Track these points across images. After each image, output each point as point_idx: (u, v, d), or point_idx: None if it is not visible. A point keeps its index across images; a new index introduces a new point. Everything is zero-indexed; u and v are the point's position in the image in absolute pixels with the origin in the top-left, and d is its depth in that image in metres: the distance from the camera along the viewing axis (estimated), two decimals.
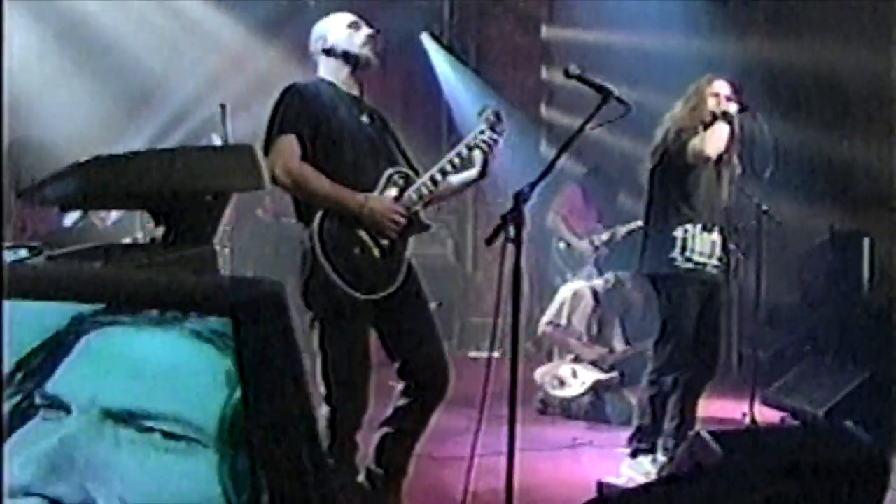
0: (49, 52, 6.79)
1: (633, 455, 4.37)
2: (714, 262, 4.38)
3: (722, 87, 4.39)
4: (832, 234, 7.20)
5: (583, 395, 5.67)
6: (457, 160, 3.53)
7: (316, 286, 3.38)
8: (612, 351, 5.89)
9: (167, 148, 2.28)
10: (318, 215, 3.37)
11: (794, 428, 4.44)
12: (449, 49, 8.97)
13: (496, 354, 8.07)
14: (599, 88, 3.12)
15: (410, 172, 3.56)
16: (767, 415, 5.54)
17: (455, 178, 3.63)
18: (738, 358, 7.48)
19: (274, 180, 3.33)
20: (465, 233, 9.31)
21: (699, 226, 4.32)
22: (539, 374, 5.87)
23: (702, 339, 4.41)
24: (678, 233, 4.31)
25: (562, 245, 7.13)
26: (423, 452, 4.74)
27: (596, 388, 5.67)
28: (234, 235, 7.25)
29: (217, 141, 3.81)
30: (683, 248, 4.30)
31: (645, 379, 4.45)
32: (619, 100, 3.11)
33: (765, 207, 5.32)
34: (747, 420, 5.30)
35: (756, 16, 7.95)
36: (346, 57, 3.53)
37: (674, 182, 4.37)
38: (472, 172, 3.62)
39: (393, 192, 3.47)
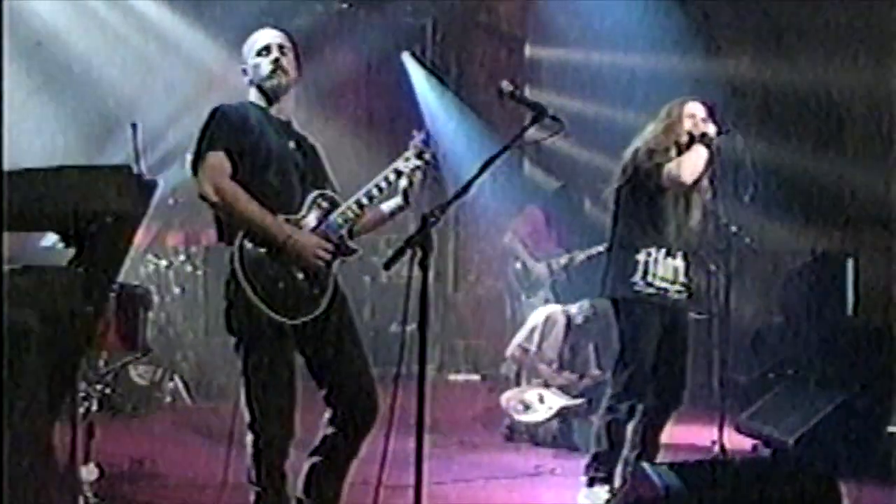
0: (15, 73, 6.71)
1: (590, 484, 4.24)
2: (677, 287, 4.27)
3: (697, 108, 4.29)
4: (814, 255, 7.08)
5: (549, 420, 5.53)
6: (383, 185, 3.46)
7: (239, 309, 3.31)
8: (582, 377, 5.75)
9: (50, 167, 2.14)
10: (240, 235, 3.28)
11: (747, 461, 4.31)
12: (429, 69, 8.91)
13: (475, 377, 7.93)
14: (532, 106, 3.03)
15: (336, 196, 3.50)
16: (739, 442, 5.40)
17: (385, 206, 3.59)
18: (720, 382, 7.31)
19: (202, 197, 3.29)
20: (446, 254, 9.21)
21: (663, 250, 4.21)
22: (505, 398, 5.74)
23: (665, 366, 4.27)
24: (640, 256, 4.20)
25: (518, 266, 7.04)
26: (373, 479, 4.65)
27: (564, 415, 5.53)
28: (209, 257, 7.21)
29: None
30: (645, 273, 4.19)
31: (602, 406, 4.32)
32: (552, 118, 3.02)
33: (734, 229, 5.18)
34: (716, 448, 5.13)
35: (744, 35, 7.85)
36: (259, 88, 3.47)
37: (641, 204, 4.25)
38: (398, 199, 3.55)
39: (314, 215, 3.41)
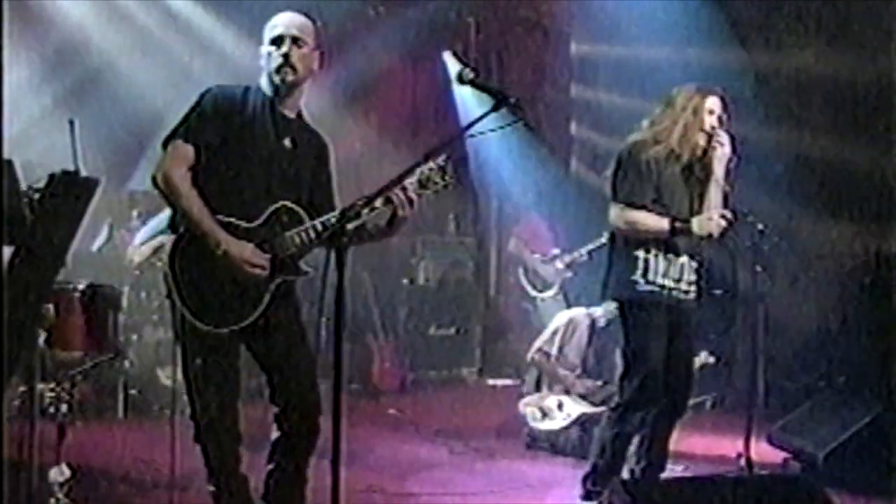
0: (46, 82, 6.78)
1: (587, 497, 4.01)
2: (683, 286, 4.01)
3: (717, 102, 3.99)
4: (868, 256, 6.68)
5: (566, 428, 5.30)
6: (365, 211, 3.18)
7: (176, 311, 3.22)
8: (606, 384, 5.49)
9: None
10: (179, 233, 3.20)
11: (748, 478, 4.00)
12: (470, 69, 8.72)
13: (516, 382, 7.68)
14: (494, 93, 2.85)
15: (301, 212, 3.31)
16: (772, 455, 5.08)
17: (369, 226, 3.36)
18: (766, 389, 6.97)
19: (153, 180, 3.21)
20: (489, 255, 9.01)
21: (663, 247, 3.94)
22: (523, 404, 5.53)
23: (670, 372, 4.00)
24: (640, 253, 3.94)
25: (525, 270, 7.17)
26: (375, 486, 4.53)
27: (584, 423, 5.28)
28: None
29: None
30: (646, 271, 3.94)
31: (606, 416, 4.08)
32: (514, 104, 2.85)
33: (760, 227, 4.87)
34: (742, 461, 4.83)
35: (775, 26, 7.50)
36: (269, 77, 3.32)
37: (644, 198, 3.92)
38: (382, 225, 3.34)
39: (268, 227, 3.25)
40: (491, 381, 8.31)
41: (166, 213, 3.42)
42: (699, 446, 5.58)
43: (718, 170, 3.91)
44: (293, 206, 3.31)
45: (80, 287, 3.61)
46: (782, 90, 7.39)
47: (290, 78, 3.26)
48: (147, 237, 5.80)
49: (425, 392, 7.77)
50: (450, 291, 8.39)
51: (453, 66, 8.77)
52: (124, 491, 4.29)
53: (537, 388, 5.62)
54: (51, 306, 3.33)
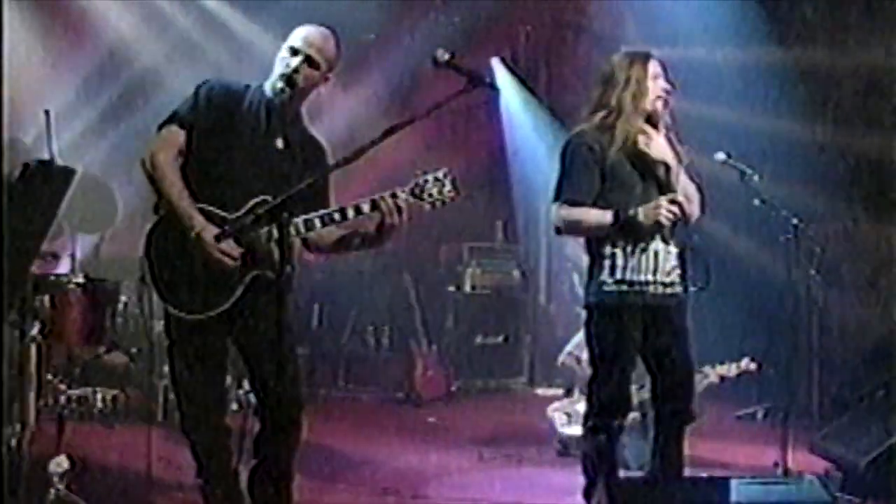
0: (94, 92, 6.94)
1: None
2: (661, 278, 3.56)
3: (658, 67, 3.60)
4: None
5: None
6: (351, 213, 3.19)
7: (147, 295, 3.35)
8: (641, 387, 5.28)
9: None
10: (157, 218, 3.24)
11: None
12: (518, 75, 8.67)
13: (559, 392, 7.51)
14: (469, 74, 2.81)
15: (284, 215, 3.09)
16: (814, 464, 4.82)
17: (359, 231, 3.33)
18: (819, 394, 6.65)
19: (142, 163, 3.25)
20: (538, 261, 8.87)
21: (631, 238, 3.51)
22: (551, 409, 5.38)
23: (664, 375, 3.70)
24: (605, 249, 3.53)
25: (577, 276, 6.85)
26: (390, 489, 4.47)
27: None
28: None
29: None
30: (613, 269, 3.53)
31: (584, 426, 3.78)
32: (490, 86, 2.80)
33: (795, 221, 4.64)
34: (779, 470, 4.60)
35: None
36: (274, 79, 3.32)
37: (602, 188, 3.55)
38: (371, 232, 3.28)
39: (248, 219, 3.17)
40: (540, 391, 8.14)
41: None
42: (742, 456, 5.39)
43: (667, 151, 3.58)
44: (275, 202, 3.22)
45: (77, 280, 3.64)
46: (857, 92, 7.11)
47: (288, 91, 3.28)
48: None
49: (470, 401, 7.67)
50: (497, 299, 8.27)
51: (501, 73, 8.71)
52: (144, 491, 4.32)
53: (569, 393, 5.47)
54: (46, 298, 3.35)
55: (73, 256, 5.10)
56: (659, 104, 3.58)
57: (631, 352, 3.62)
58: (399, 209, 3.13)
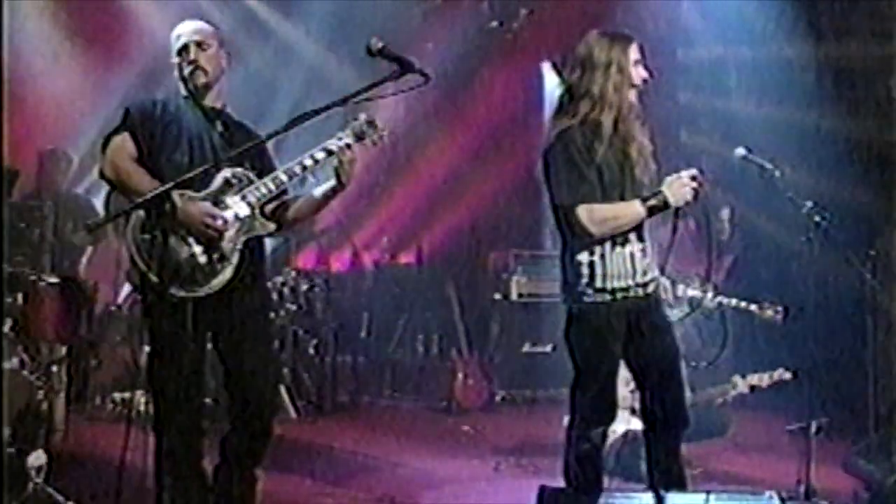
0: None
1: None
2: (639, 280, 3.38)
3: (636, 50, 3.43)
4: None
5: (612, 445, 4.89)
6: (308, 162, 3.38)
7: (145, 294, 3.33)
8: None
9: None
10: (133, 217, 3.25)
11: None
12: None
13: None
14: (399, 61, 2.78)
15: (252, 176, 3.40)
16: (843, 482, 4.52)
17: (317, 190, 3.49)
18: (875, 404, 6.23)
19: (101, 174, 3.35)
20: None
21: (609, 242, 3.34)
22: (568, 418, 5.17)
23: (652, 380, 3.51)
24: (583, 256, 3.34)
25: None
26: (385, 497, 4.40)
27: (631, 440, 4.88)
28: None
29: None
30: (592, 276, 3.34)
31: (568, 437, 3.64)
32: (420, 73, 2.79)
33: (817, 219, 4.36)
34: (801, 488, 4.32)
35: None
36: (185, 83, 3.47)
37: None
38: (331, 182, 3.44)
39: (226, 193, 3.35)
40: None
41: None
42: (771, 472, 5.10)
43: (644, 141, 3.38)
44: (239, 170, 3.40)
45: (50, 280, 3.70)
46: None
47: (202, 80, 3.43)
48: None
49: (513, 411, 7.49)
50: (545, 307, 8.06)
51: (550, 77, 8.56)
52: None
53: None
54: (19, 295, 3.40)
55: (52, 254, 5.22)
56: (634, 94, 3.40)
57: (615, 358, 3.46)
58: (348, 146, 3.35)
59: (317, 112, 2.69)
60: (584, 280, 3.35)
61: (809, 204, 4.36)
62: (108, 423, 5.63)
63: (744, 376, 5.23)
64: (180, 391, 3.20)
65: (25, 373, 3.61)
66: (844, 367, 6.43)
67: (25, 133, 6.24)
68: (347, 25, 7.56)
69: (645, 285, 3.42)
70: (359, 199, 8.52)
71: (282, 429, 6.19)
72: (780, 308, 4.96)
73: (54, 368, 4.03)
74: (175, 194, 3.17)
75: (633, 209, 3.34)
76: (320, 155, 3.35)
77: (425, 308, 8.27)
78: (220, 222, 3.26)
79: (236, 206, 3.33)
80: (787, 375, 5.18)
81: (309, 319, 7.33)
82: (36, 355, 3.93)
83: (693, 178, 3.32)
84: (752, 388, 5.19)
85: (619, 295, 3.36)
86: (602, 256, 3.35)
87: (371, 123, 3.42)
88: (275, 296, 6.93)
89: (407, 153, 8.81)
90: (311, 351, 7.39)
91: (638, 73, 3.42)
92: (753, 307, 5.08)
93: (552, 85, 8.53)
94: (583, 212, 3.29)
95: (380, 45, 2.77)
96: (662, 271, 3.71)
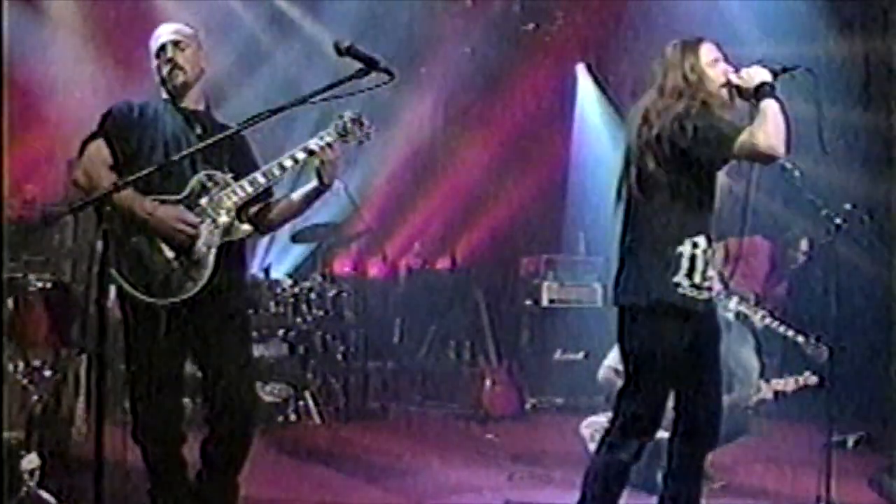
0: None
1: None
2: (707, 283, 3.29)
3: (712, 49, 3.32)
4: None
5: None
6: (288, 163, 3.33)
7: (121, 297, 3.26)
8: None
9: None
10: (104, 225, 3.14)
11: None
12: (601, 85, 8.39)
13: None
14: (365, 59, 2.72)
15: (229, 179, 3.36)
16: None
17: (297, 193, 3.46)
18: None
19: (74, 182, 3.33)
20: None
21: (703, 239, 3.25)
22: (584, 426, 5.06)
23: (694, 393, 3.37)
24: (686, 248, 3.22)
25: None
26: None
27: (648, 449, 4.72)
28: None
29: None
30: (692, 270, 3.21)
31: (600, 440, 3.47)
32: (385, 71, 2.70)
33: (838, 221, 4.19)
34: None
35: None
36: (164, 84, 3.44)
37: (681, 184, 3.26)
38: (313, 183, 3.39)
39: (205, 197, 3.32)
40: None
41: None
42: (791, 486, 4.88)
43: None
44: (216, 173, 3.35)
45: (39, 285, 3.71)
46: None
47: (180, 79, 3.40)
48: None
49: (543, 419, 7.35)
50: (577, 314, 7.92)
51: (584, 80, 8.45)
52: None
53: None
54: (10, 300, 3.42)
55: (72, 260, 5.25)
56: (724, 91, 3.27)
57: (677, 364, 3.28)
58: (329, 145, 3.31)
59: (272, 112, 2.62)
60: (683, 272, 3.21)
61: (847, 206, 4.28)
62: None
63: (768, 380, 5.03)
64: (157, 399, 3.19)
65: (18, 377, 3.62)
66: (875, 378, 6.20)
67: (49, 145, 6.34)
68: (375, 27, 7.52)
69: (710, 288, 3.31)
70: (392, 203, 8.50)
71: (307, 434, 6.29)
72: (825, 348, 4.73)
73: (72, 372, 4.10)
74: (146, 199, 3.18)
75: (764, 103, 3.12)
76: (301, 155, 3.30)
77: (456, 314, 8.18)
78: (190, 230, 3.21)
79: (211, 210, 3.28)
80: (814, 380, 4.94)
81: (337, 325, 7.29)
82: (43, 359, 3.95)
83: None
84: (777, 393, 4.98)
85: (707, 294, 3.27)
86: (704, 251, 3.25)
87: (356, 121, 3.35)
88: (302, 302, 6.95)
89: (440, 157, 8.76)
90: (339, 357, 7.36)
91: (718, 74, 3.29)
92: (801, 339, 4.88)
93: (585, 87, 8.44)
94: (745, 133, 3.09)
95: (346, 43, 2.70)
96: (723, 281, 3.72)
